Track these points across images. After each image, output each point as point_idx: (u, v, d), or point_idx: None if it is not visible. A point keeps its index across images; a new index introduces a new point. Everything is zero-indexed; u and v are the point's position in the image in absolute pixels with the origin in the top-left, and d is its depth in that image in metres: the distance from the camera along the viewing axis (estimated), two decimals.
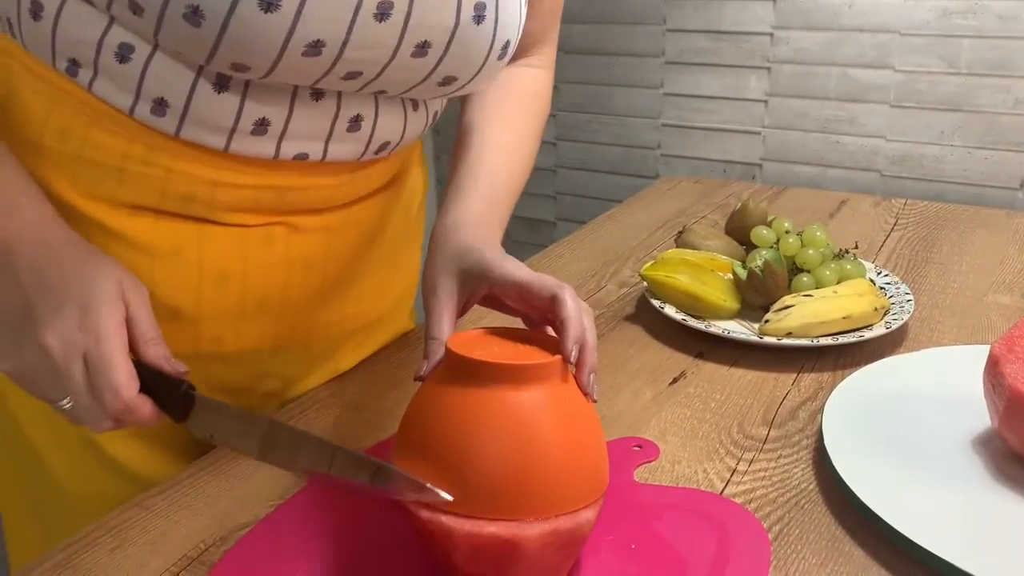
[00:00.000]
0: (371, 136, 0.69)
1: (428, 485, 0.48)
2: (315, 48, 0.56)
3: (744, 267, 0.92)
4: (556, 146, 1.79)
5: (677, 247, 1.04)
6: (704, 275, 0.93)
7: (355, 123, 0.67)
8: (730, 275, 0.94)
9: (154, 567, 0.58)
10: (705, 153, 1.65)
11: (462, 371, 0.51)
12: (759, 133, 1.58)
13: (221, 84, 0.60)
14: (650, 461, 0.69)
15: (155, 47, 0.58)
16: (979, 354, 0.71)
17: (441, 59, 0.63)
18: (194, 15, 0.53)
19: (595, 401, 0.54)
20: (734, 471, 0.68)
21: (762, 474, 0.67)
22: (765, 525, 0.61)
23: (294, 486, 0.66)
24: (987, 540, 0.57)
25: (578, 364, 0.53)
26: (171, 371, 0.53)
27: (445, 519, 0.49)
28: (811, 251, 0.94)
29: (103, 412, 0.51)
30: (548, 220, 1.81)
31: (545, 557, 0.50)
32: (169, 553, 0.59)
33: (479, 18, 0.62)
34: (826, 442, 0.67)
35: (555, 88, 1.75)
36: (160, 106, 0.60)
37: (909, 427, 0.69)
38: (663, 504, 0.63)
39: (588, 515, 0.50)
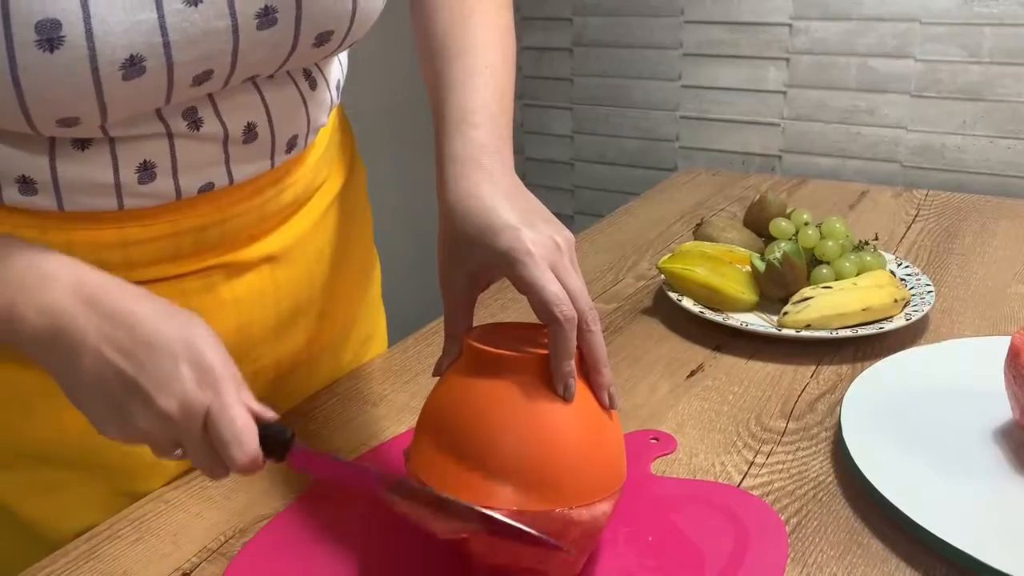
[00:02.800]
0: (273, 139, 0.62)
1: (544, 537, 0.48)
2: (134, 67, 0.48)
3: (763, 259, 0.92)
4: (573, 139, 1.79)
5: (695, 239, 1.04)
6: (722, 267, 0.92)
7: (250, 132, 0.60)
8: (748, 267, 0.93)
9: (175, 558, 0.59)
10: (724, 145, 1.64)
11: (480, 364, 0.52)
12: (778, 125, 1.57)
13: (82, 141, 0.53)
14: (667, 454, 0.69)
15: None
16: (1000, 345, 0.70)
17: (298, 19, 0.54)
18: None
19: (616, 409, 0.54)
20: (752, 464, 0.68)
21: (780, 467, 0.67)
22: (783, 517, 0.61)
23: (312, 480, 0.66)
24: (1007, 531, 0.57)
25: (593, 385, 0.52)
26: (269, 419, 0.50)
27: None
28: (830, 243, 0.93)
29: (220, 463, 0.48)
30: (566, 214, 1.81)
31: (558, 556, 0.50)
32: (189, 545, 0.60)
33: None
34: (844, 434, 0.66)
35: (572, 81, 1.75)
36: (27, 185, 0.54)
37: (929, 419, 0.69)
38: (681, 496, 0.63)
39: (604, 508, 0.50)
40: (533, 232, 0.52)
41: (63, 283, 0.47)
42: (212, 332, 0.49)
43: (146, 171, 0.56)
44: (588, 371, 0.52)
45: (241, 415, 0.47)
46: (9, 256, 0.48)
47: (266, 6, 0.52)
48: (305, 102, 0.64)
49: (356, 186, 0.80)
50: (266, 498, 0.65)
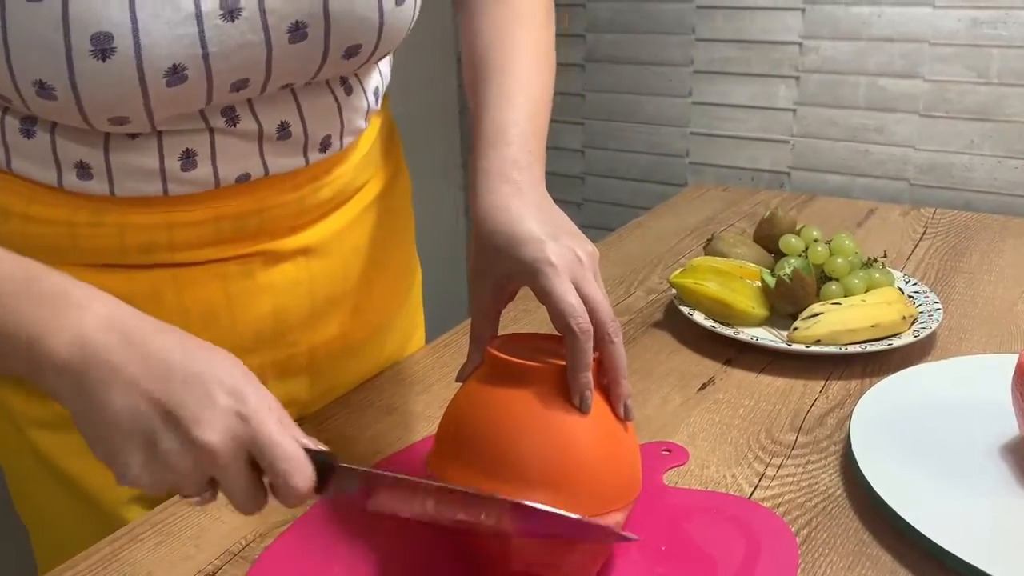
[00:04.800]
0: (306, 138, 0.65)
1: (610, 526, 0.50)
2: (177, 75, 0.53)
3: (773, 275, 0.93)
4: (584, 154, 1.80)
5: (706, 254, 1.05)
6: (733, 282, 0.94)
7: (283, 131, 0.63)
8: (758, 283, 0.94)
9: (198, 561, 0.60)
10: (733, 161, 1.66)
11: (500, 373, 0.53)
12: (788, 142, 1.59)
13: (132, 132, 0.58)
14: (679, 465, 0.70)
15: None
16: (1007, 363, 0.71)
17: (327, 33, 0.58)
18: (43, 89, 0.51)
19: (631, 421, 0.55)
20: (762, 476, 0.69)
21: (790, 479, 0.68)
22: (793, 529, 0.62)
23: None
24: (1013, 544, 0.58)
25: (611, 395, 0.54)
26: (314, 448, 0.48)
27: None
28: (840, 259, 0.95)
29: (259, 497, 0.47)
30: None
31: (574, 556, 0.51)
32: (211, 548, 0.61)
33: None
34: (854, 447, 0.67)
35: (583, 96, 1.77)
36: (84, 170, 0.59)
37: (936, 434, 0.70)
38: (692, 507, 0.64)
39: (618, 518, 0.52)
40: (557, 244, 0.54)
41: (96, 314, 0.45)
42: (243, 365, 0.48)
43: (188, 159, 0.60)
44: (607, 382, 0.54)
45: (291, 443, 0.45)
46: (34, 283, 0.46)
47: (296, 22, 0.56)
48: (340, 106, 0.67)
49: (398, 192, 0.83)
50: None
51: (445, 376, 0.85)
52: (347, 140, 0.70)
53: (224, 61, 0.54)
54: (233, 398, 0.45)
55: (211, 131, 0.60)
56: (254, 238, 0.67)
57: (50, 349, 0.44)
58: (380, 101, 0.76)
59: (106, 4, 0.49)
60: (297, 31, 0.56)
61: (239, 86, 0.57)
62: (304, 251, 0.70)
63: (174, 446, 0.44)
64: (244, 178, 0.64)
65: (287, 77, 0.60)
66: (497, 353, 0.53)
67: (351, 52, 0.61)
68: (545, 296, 0.52)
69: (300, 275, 0.71)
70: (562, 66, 1.78)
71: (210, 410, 0.44)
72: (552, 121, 1.93)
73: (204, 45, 0.53)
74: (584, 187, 1.82)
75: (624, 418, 0.54)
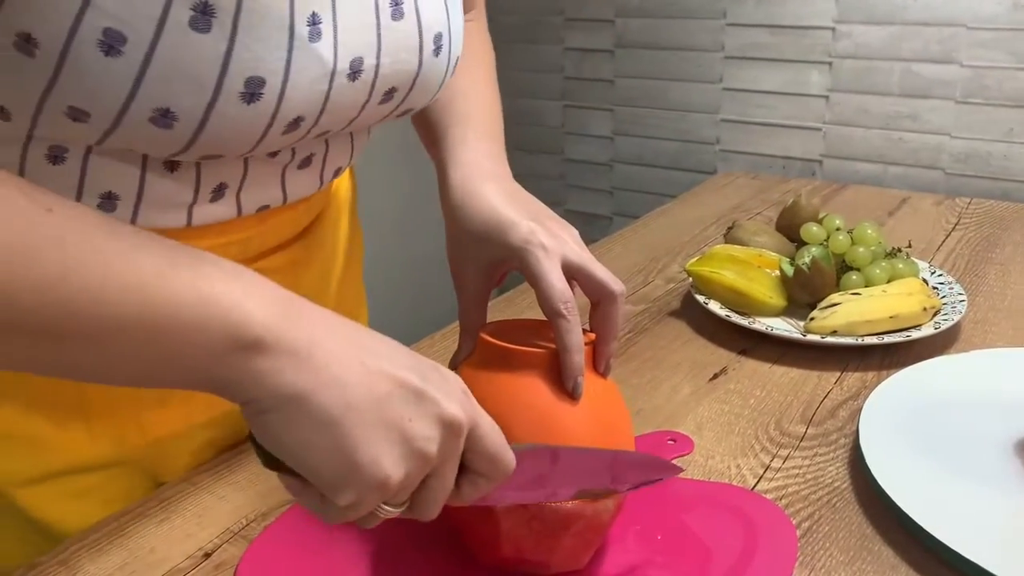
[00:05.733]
0: (323, 168, 0.66)
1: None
2: (294, 125, 0.53)
3: (792, 264, 0.91)
4: (613, 140, 1.79)
5: (726, 243, 1.04)
6: (750, 271, 0.92)
7: (306, 161, 0.63)
8: (778, 272, 0.93)
9: (199, 538, 0.61)
10: (764, 149, 1.63)
11: (492, 358, 0.53)
12: (820, 129, 1.56)
13: (173, 163, 0.54)
14: (683, 455, 0.69)
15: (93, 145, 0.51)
16: None
17: (405, 98, 0.60)
18: (164, 117, 0.47)
19: (607, 376, 0.56)
20: (768, 468, 0.68)
21: (796, 472, 0.67)
22: (795, 521, 0.61)
23: None
24: (1019, 544, 0.56)
25: (596, 353, 0.55)
26: None
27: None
28: (861, 249, 0.93)
29: (446, 493, 0.44)
30: (604, 215, 1.81)
31: (565, 543, 0.51)
32: (213, 526, 0.62)
33: (438, 49, 0.58)
34: (861, 440, 0.66)
35: (612, 82, 1.76)
36: (109, 200, 0.54)
37: (949, 428, 0.68)
38: (692, 497, 0.63)
39: (608, 503, 0.51)
40: (543, 228, 0.55)
41: (269, 285, 0.42)
42: None
43: (219, 191, 0.58)
44: (596, 339, 0.55)
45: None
46: (199, 256, 0.42)
47: (392, 87, 0.57)
48: (353, 143, 0.67)
49: (354, 192, 0.84)
50: None
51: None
52: (349, 164, 0.71)
53: (329, 116, 0.54)
54: (451, 381, 0.43)
55: (246, 160, 0.58)
56: (252, 259, 0.66)
57: (259, 328, 0.39)
58: None
59: (267, 49, 0.48)
60: (389, 95, 0.57)
61: (319, 136, 0.58)
62: (292, 263, 0.70)
63: (425, 424, 0.40)
64: (263, 208, 0.63)
65: (350, 129, 0.60)
66: (489, 338, 0.53)
67: (405, 112, 0.62)
68: (536, 280, 0.53)
69: (289, 287, 0.69)
70: (591, 52, 1.78)
71: (449, 385, 0.42)
72: (580, 107, 1.93)
73: (326, 101, 0.52)
74: (612, 175, 1.81)
75: (603, 375, 0.55)
